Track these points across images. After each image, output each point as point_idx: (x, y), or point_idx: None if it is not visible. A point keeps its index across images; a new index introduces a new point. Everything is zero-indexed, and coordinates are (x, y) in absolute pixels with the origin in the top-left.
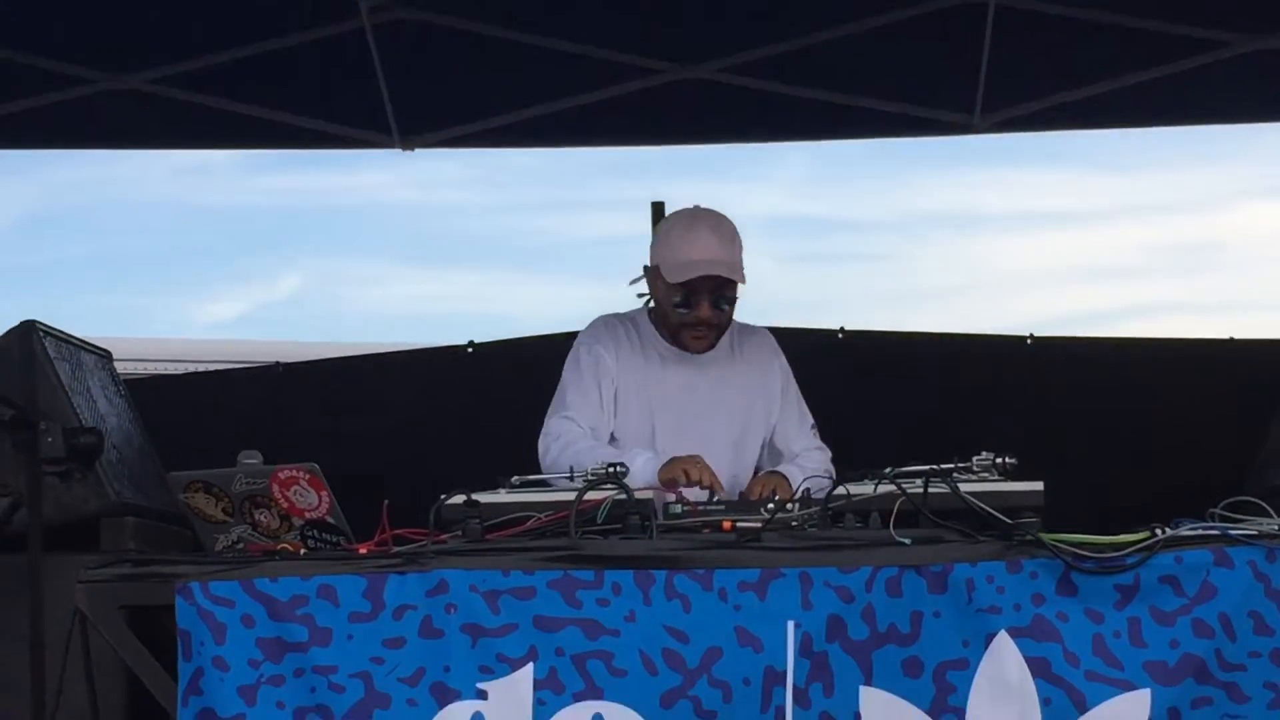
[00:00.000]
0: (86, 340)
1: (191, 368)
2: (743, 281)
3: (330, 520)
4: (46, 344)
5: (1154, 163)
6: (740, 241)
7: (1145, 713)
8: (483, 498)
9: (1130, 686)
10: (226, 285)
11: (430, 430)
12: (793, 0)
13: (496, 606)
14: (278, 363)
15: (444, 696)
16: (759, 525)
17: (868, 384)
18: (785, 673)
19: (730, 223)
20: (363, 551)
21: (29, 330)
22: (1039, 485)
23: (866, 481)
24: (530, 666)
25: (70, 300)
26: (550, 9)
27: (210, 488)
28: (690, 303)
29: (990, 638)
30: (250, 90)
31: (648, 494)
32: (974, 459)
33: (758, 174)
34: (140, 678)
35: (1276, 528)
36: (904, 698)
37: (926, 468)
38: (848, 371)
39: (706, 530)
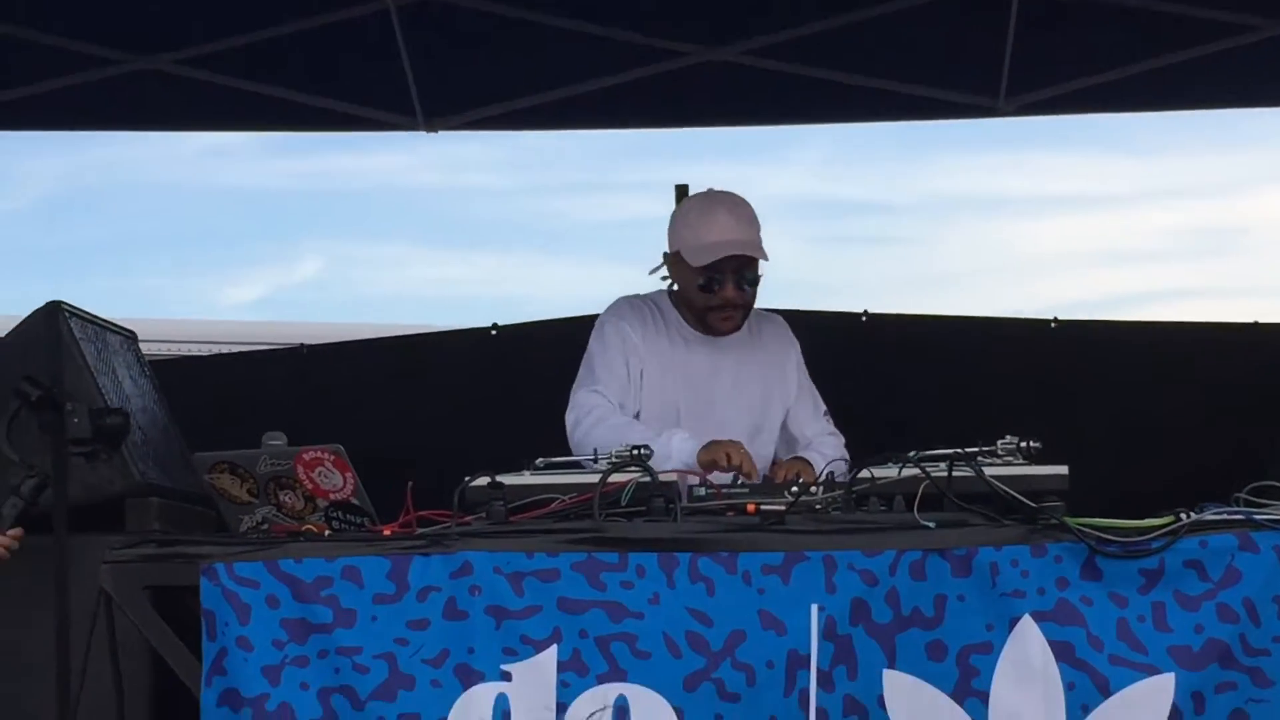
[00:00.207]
0: (112, 321)
1: (217, 349)
2: (765, 259)
3: (355, 502)
4: (73, 325)
5: (1178, 146)
6: (758, 220)
7: (1169, 697)
8: (507, 479)
9: (1154, 671)
10: (247, 267)
11: (454, 412)
12: None
13: (520, 588)
14: (303, 344)
15: (468, 678)
16: (783, 508)
17: (891, 367)
18: (809, 656)
19: (747, 202)
20: (387, 533)
21: (55, 311)
22: (1063, 469)
23: (890, 465)
24: (554, 648)
25: (92, 281)
26: None
27: (235, 469)
28: (715, 285)
29: (1014, 621)
30: (275, 72)
31: (671, 476)
32: (998, 442)
33: (780, 156)
34: (165, 658)
35: None
36: (928, 681)
37: (951, 451)
38: (871, 355)
39: (731, 513)
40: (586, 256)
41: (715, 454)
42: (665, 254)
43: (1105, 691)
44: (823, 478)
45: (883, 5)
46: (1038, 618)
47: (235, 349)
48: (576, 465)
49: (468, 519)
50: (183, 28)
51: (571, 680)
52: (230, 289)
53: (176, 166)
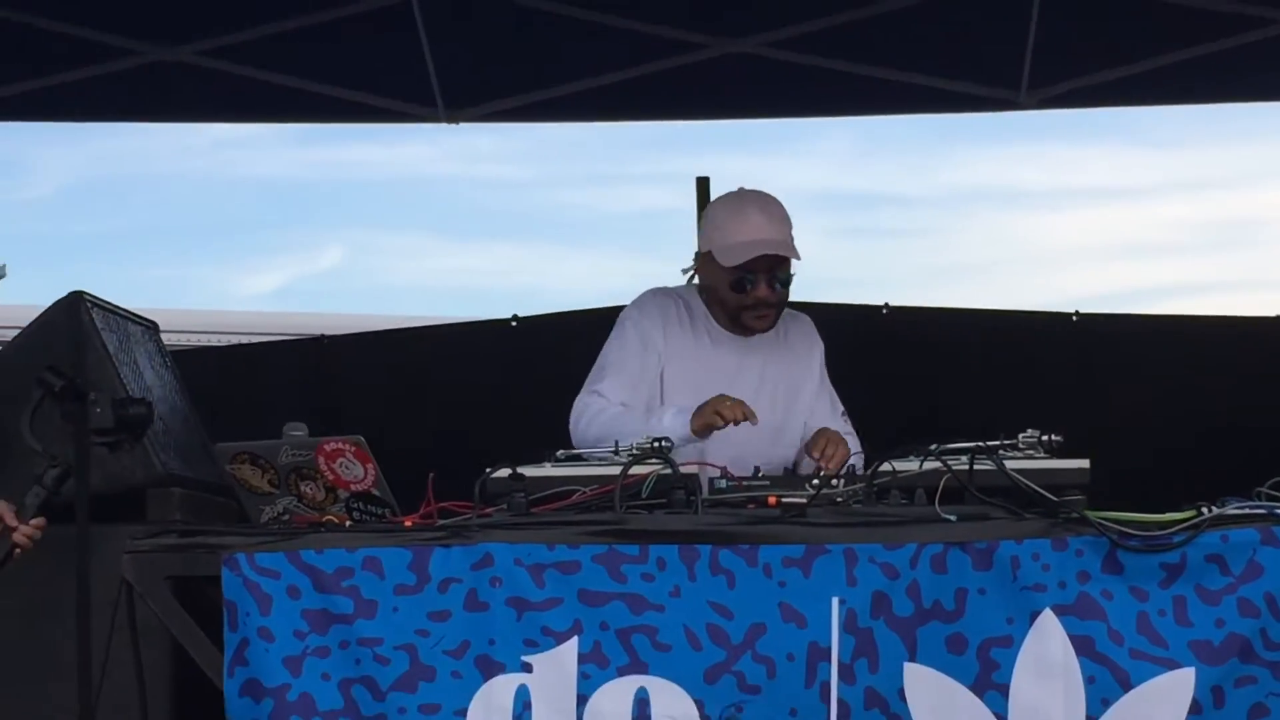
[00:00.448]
0: (133, 311)
1: (237, 339)
2: (798, 258)
3: (375, 493)
4: (94, 315)
5: (1199, 139)
6: (790, 219)
7: (1189, 692)
8: (528, 471)
9: (1174, 665)
10: (267, 257)
11: (475, 403)
12: None
13: (541, 580)
14: (323, 335)
15: (489, 669)
16: (804, 501)
17: (913, 360)
18: (830, 649)
19: (778, 201)
20: (408, 524)
21: (77, 301)
22: (1085, 463)
23: (912, 458)
24: (575, 640)
25: (113, 271)
26: None
27: (256, 459)
28: (748, 285)
29: (1035, 615)
30: (296, 63)
31: (693, 468)
32: (1020, 436)
33: (801, 149)
34: (186, 648)
35: None
36: (948, 674)
37: (972, 444)
38: (892, 347)
39: (752, 505)
40: (606, 248)
41: (707, 417)
42: (696, 254)
43: (1125, 686)
44: (844, 470)
45: None
46: (1058, 611)
47: (256, 340)
48: (597, 457)
49: (489, 510)
50: (204, 19)
51: (592, 672)
52: (250, 279)
53: (197, 157)
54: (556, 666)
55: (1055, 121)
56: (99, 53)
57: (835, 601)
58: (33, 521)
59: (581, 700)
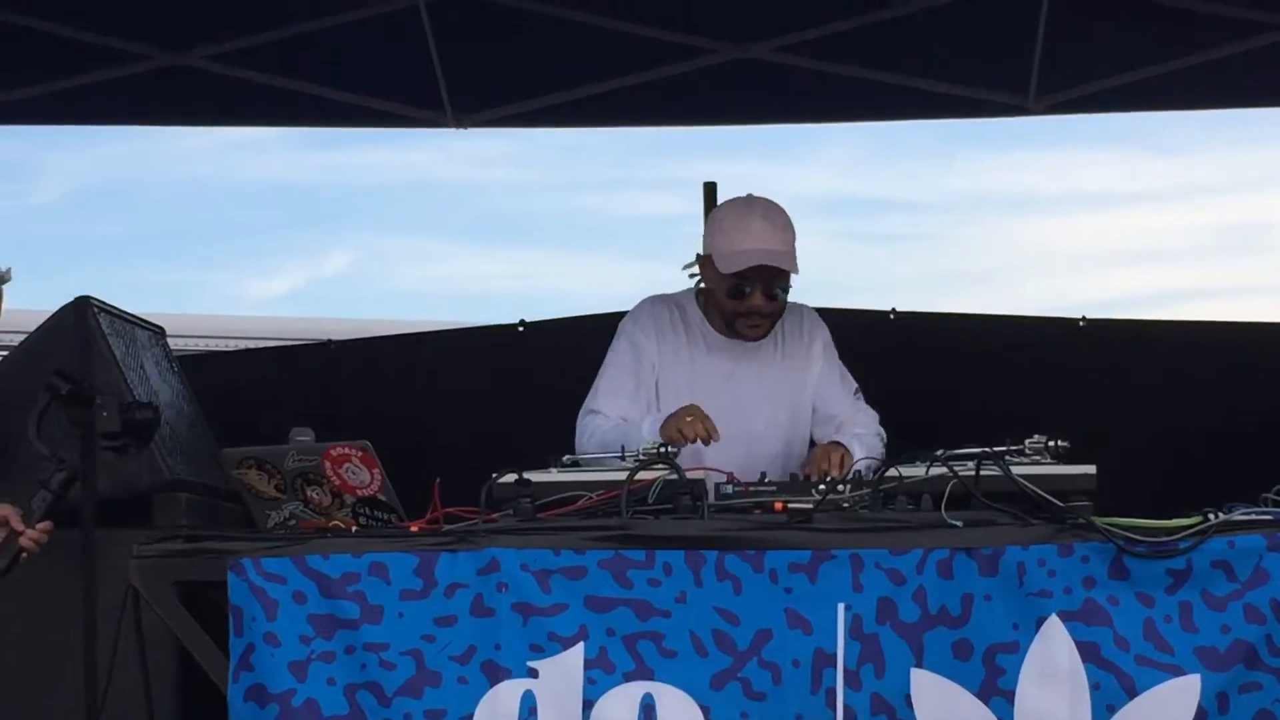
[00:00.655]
0: (140, 316)
1: (244, 344)
2: (796, 271)
3: (382, 498)
4: (101, 320)
5: (1207, 145)
6: (793, 230)
7: (1194, 698)
8: (534, 476)
9: (1180, 671)
10: (276, 261)
11: (481, 409)
12: None
13: (548, 585)
14: (330, 340)
15: (495, 674)
16: (810, 506)
17: (919, 365)
18: (835, 655)
19: (783, 211)
20: (414, 529)
21: (84, 306)
22: (1091, 469)
23: (918, 463)
24: (581, 646)
25: (121, 276)
26: None
27: (263, 464)
28: (744, 292)
29: (1041, 621)
30: (304, 68)
31: (699, 474)
32: (1026, 442)
33: (809, 154)
34: (192, 653)
35: None
36: (955, 680)
37: (978, 450)
38: (899, 353)
39: (758, 511)
40: (614, 253)
41: (670, 432)
42: (698, 255)
43: (1131, 692)
44: (850, 474)
45: (912, 3)
46: (1064, 618)
47: (263, 344)
48: (604, 463)
49: (495, 516)
50: (213, 23)
51: (598, 678)
52: (259, 283)
53: (206, 160)
54: (563, 672)
55: (1063, 127)
56: (108, 57)
57: (841, 607)
58: (39, 526)
59: (587, 706)
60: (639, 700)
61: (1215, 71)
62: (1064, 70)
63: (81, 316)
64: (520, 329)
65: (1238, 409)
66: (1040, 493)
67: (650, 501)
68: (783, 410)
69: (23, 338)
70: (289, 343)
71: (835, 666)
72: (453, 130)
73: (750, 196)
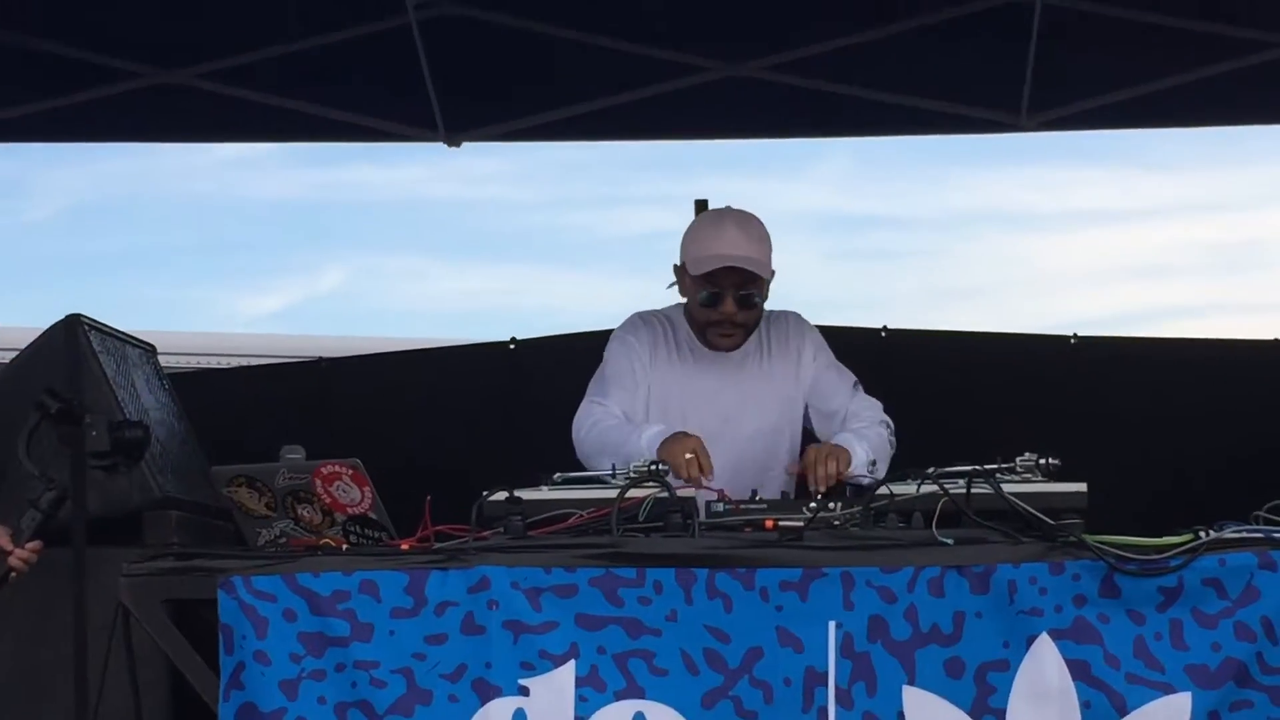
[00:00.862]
0: (131, 334)
1: (235, 362)
2: (766, 276)
3: (372, 516)
4: (91, 338)
5: (1199, 162)
6: (768, 240)
7: (1185, 716)
8: (525, 494)
9: (1170, 689)
10: (269, 279)
11: (472, 426)
12: None
13: (538, 603)
14: (321, 358)
15: (486, 692)
16: (801, 524)
17: (910, 383)
18: (827, 673)
19: (758, 221)
20: (405, 547)
21: (74, 324)
22: (1082, 486)
23: (909, 481)
24: (572, 664)
25: (114, 292)
26: (596, 6)
27: (253, 482)
28: (715, 299)
29: (1031, 639)
30: (298, 86)
31: (690, 491)
32: (1017, 459)
33: (801, 171)
34: (182, 672)
35: None
36: (946, 698)
37: (970, 468)
38: (890, 371)
39: (748, 529)
40: (606, 270)
41: (669, 454)
42: (675, 266)
43: (1121, 710)
44: (849, 475)
45: (904, 21)
46: (1055, 636)
47: (254, 362)
48: (594, 480)
49: (485, 534)
50: (206, 42)
51: (589, 695)
52: (253, 300)
53: (198, 178)
54: (554, 690)
55: (1056, 143)
56: (102, 75)
57: (832, 625)
58: (28, 545)
59: None
60: (630, 718)
61: (1207, 89)
62: (1056, 87)
63: (72, 334)
64: (512, 346)
65: (1228, 426)
66: (1031, 511)
67: (641, 519)
68: (770, 419)
69: (13, 355)
70: (280, 360)
71: (827, 685)
72: (443, 147)
73: (727, 207)
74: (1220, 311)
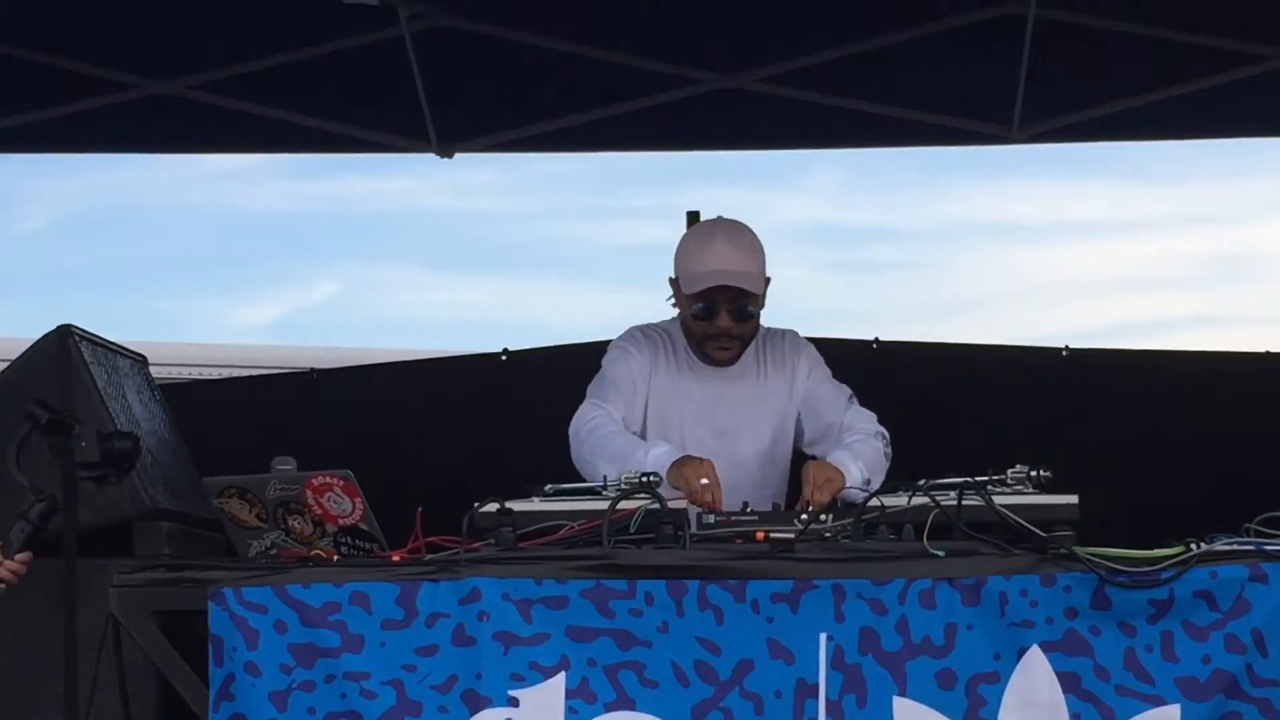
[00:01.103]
0: (122, 345)
1: (227, 373)
2: (758, 292)
3: (363, 527)
4: (83, 348)
5: (1192, 174)
6: (761, 252)
7: None
8: (516, 506)
9: (1160, 702)
10: (261, 290)
11: (464, 438)
12: (831, 11)
13: (529, 615)
14: (312, 369)
15: (476, 704)
16: (792, 536)
17: (902, 395)
18: (818, 685)
19: (750, 233)
20: (396, 559)
21: (65, 334)
22: (1074, 498)
23: (900, 493)
24: (562, 675)
25: (106, 303)
26: (588, 18)
27: (244, 493)
28: (709, 314)
29: (1022, 651)
30: (290, 97)
31: (681, 503)
32: (1008, 471)
33: (793, 183)
34: (172, 683)
35: None
36: (938, 710)
37: (961, 480)
38: (882, 383)
39: (739, 540)
40: (599, 281)
41: (682, 479)
42: (670, 280)
43: None
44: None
45: (896, 34)
46: (1046, 648)
47: (245, 373)
48: (586, 492)
49: (476, 545)
50: (199, 53)
51: (580, 707)
52: (245, 311)
53: (191, 189)
54: (544, 702)
55: (1048, 155)
56: (94, 86)
57: (823, 637)
58: (18, 556)
59: None
60: None
61: (1200, 101)
62: (1048, 99)
63: (63, 345)
64: (503, 358)
65: (1221, 438)
66: (1022, 523)
67: (632, 531)
68: (765, 434)
69: (4, 366)
70: (272, 371)
71: (817, 697)
72: (435, 158)
73: (718, 218)
74: (1213, 324)
